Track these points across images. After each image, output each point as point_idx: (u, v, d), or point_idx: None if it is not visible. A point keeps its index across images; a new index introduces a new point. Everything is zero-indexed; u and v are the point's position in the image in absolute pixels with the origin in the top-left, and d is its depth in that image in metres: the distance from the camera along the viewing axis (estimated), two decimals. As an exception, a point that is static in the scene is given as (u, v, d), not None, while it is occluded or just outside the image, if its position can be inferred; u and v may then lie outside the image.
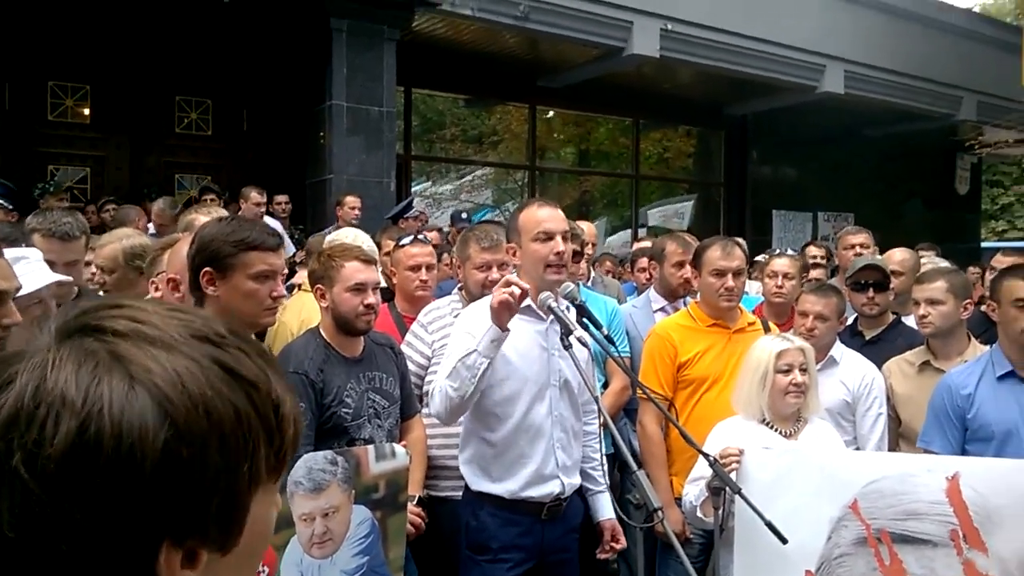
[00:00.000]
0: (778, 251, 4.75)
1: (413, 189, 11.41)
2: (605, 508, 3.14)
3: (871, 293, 4.06)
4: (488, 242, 3.47)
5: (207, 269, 2.30)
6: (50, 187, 8.52)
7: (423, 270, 3.89)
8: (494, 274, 3.40)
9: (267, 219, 7.81)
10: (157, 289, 2.95)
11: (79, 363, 0.65)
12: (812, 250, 6.43)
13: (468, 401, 2.74)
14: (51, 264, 3.03)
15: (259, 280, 2.32)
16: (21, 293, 2.14)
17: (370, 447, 2.71)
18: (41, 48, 8.65)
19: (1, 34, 8.23)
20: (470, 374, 2.68)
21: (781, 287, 4.37)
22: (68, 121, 9.31)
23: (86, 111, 9.41)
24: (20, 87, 8.91)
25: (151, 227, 6.80)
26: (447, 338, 3.15)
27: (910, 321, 4.00)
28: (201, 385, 0.67)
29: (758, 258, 6.83)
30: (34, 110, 9.05)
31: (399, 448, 2.76)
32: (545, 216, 2.88)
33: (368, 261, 3.08)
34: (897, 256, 4.70)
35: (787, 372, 3.13)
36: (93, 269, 3.86)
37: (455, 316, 3.31)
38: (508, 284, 2.65)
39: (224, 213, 4.31)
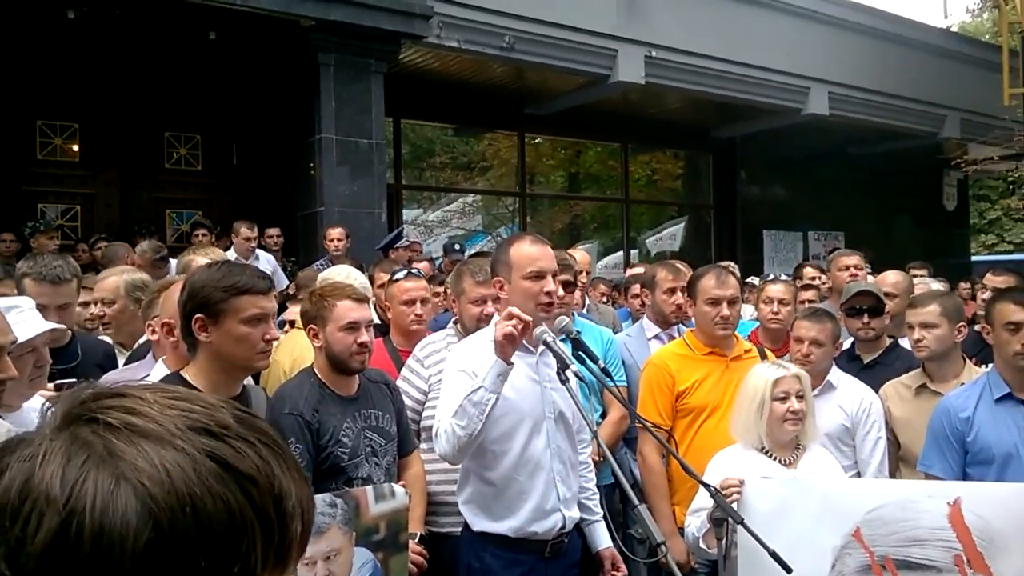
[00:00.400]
0: (771, 276, 4.76)
1: (404, 217, 11.44)
2: (603, 537, 3.11)
3: (866, 318, 4.07)
4: (483, 276, 3.46)
5: (199, 315, 2.29)
6: (40, 226, 8.50)
7: (418, 304, 3.88)
8: (489, 308, 3.39)
9: (259, 252, 7.82)
10: (153, 332, 2.93)
11: (68, 457, 0.64)
12: (809, 271, 6.46)
13: (476, 439, 2.71)
14: (43, 308, 3.02)
15: (251, 324, 2.31)
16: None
17: (369, 488, 2.69)
18: (29, 87, 8.67)
19: (-11, 75, 8.26)
20: (477, 411, 2.65)
21: (777, 313, 4.38)
22: (57, 159, 9.33)
23: (75, 148, 9.42)
24: (8, 126, 8.92)
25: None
26: (444, 372, 3.13)
27: (907, 343, 4.00)
28: (190, 482, 0.64)
29: (749, 280, 6.86)
30: (23, 149, 9.06)
31: (398, 488, 2.74)
32: (537, 254, 2.86)
33: (360, 299, 3.07)
34: (890, 279, 4.71)
35: (784, 400, 3.13)
36: (92, 308, 3.85)
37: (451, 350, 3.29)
38: (511, 316, 2.63)
39: (221, 254, 4.31)
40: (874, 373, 3.95)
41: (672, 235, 14.05)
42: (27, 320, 2.37)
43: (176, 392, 0.73)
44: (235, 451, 0.68)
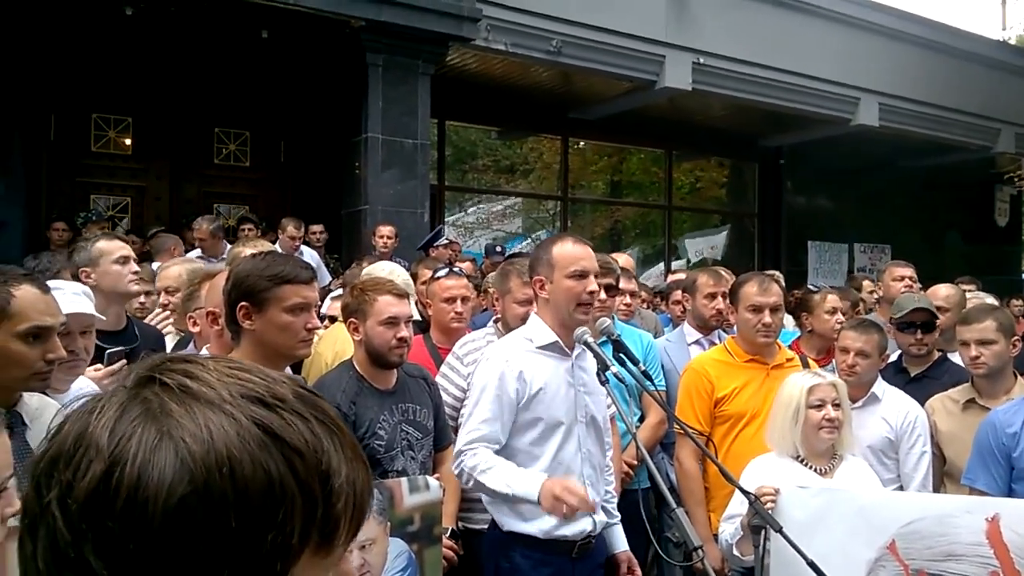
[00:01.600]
0: (821, 287, 4.73)
1: (446, 219, 11.49)
2: (620, 540, 3.10)
3: (919, 335, 3.98)
4: (530, 276, 3.46)
5: (243, 304, 2.33)
6: (92, 216, 8.70)
7: (458, 302, 3.90)
8: (535, 309, 3.39)
9: (304, 248, 7.92)
10: (195, 324, 2.98)
11: (123, 412, 0.67)
12: (868, 284, 6.45)
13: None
14: (126, 260, 3.36)
15: (294, 313, 2.34)
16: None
17: (403, 480, 2.71)
18: (85, 81, 8.88)
19: (47, 68, 8.47)
20: (499, 496, 2.78)
21: (842, 322, 4.33)
22: (110, 152, 9.52)
23: (128, 142, 9.61)
24: (65, 119, 9.15)
25: (193, 252, 6.96)
26: (475, 378, 3.12)
27: (955, 357, 3.91)
28: (231, 445, 0.65)
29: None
30: (78, 141, 9.27)
31: (432, 481, 2.76)
32: (581, 254, 2.88)
33: (401, 295, 3.09)
34: (942, 292, 4.58)
35: (819, 407, 3.09)
36: (162, 297, 3.99)
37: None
38: (571, 492, 2.57)
39: (270, 246, 4.38)
40: (921, 386, 3.87)
41: (714, 244, 13.91)
42: (65, 301, 2.40)
43: (241, 365, 0.74)
44: (285, 423, 0.69)
